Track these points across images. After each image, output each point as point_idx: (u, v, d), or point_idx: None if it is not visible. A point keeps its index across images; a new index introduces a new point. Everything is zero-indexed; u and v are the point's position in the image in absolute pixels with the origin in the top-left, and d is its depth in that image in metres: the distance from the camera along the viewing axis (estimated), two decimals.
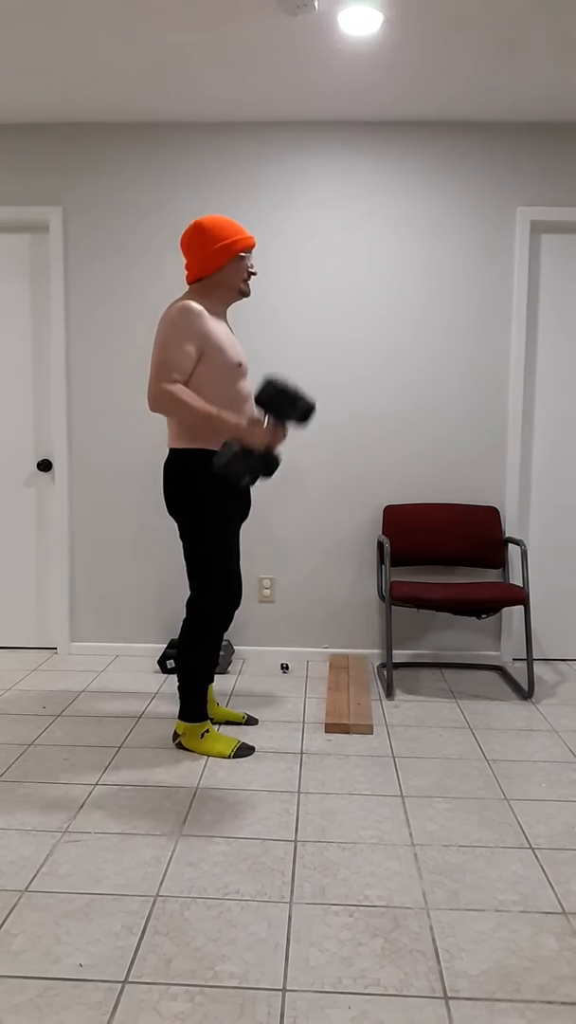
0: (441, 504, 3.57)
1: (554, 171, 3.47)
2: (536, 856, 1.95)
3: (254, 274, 2.51)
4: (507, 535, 3.57)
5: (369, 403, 3.57)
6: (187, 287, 2.47)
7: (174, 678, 3.36)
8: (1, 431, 3.72)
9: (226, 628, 2.54)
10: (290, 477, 3.61)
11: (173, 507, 2.47)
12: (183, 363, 2.33)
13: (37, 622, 3.77)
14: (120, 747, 2.60)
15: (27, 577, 3.76)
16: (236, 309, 3.52)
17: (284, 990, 1.46)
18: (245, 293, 2.50)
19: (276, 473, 2.21)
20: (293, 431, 3.57)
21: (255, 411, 2.44)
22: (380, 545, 3.56)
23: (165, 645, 3.67)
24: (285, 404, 2.31)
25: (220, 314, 2.50)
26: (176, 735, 2.59)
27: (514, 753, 2.60)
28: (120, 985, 1.47)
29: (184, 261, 2.46)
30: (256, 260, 3.52)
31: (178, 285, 3.54)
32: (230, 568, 2.50)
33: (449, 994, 1.45)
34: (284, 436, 2.36)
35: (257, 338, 3.55)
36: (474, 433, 3.58)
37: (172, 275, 3.55)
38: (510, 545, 3.59)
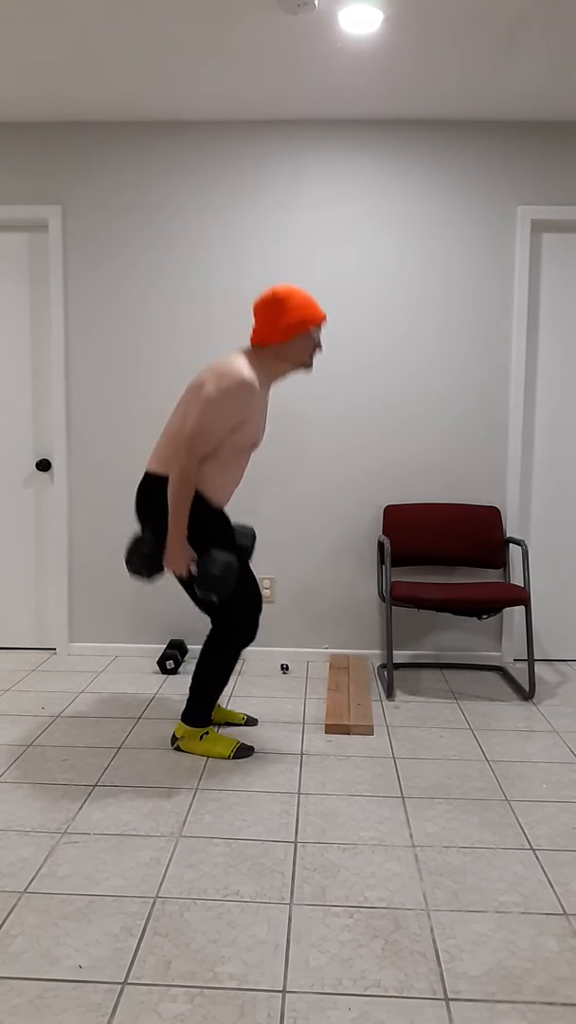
0: (442, 504, 3.57)
1: (555, 170, 3.46)
2: (537, 857, 1.94)
3: (320, 350, 2.51)
4: (508, 535, 3.56)
5: (369, 403, 3.57)
6: (249, 345, 2.47)
7: (173, 679, 3.36)
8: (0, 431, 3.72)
9: (253, 637, 2.54)
10: (290, 477, 3.61)
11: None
12: (218, 438, 2.33)
13: (36, 623, 3.77)
14: (119, 748, 2.60)
15: (26, 577, 3.75)
16: (237, 311, 3.52)
17: (284, 991, 1.45)
18: (308, 367, 2.50)
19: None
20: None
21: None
22: (380, 545, 3.55)
23: (164, 646, 3.67)
24: (214, 583, 2.32)
25: (268, 383, 2.49)
26: (175, 738, 2.58)
27: (515, 754, 2.59)
28: (120, 986, 1.46)
29: (253, 322, 2.47)
30: (257, 262, 3.52)
31: (176, 283, 3.54)
32: (248, 588, 2.50)
33: (450, 995, 1.45)
34: (184, 572, 2.37)
35: None
36: (475, 433, 3.57)
37: (172, 275, 3.54)
38: (511, 545, 3.58)
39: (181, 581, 2.48)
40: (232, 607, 2.47)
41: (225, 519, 2.50)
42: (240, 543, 2.67)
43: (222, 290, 3.54)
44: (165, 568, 2.40)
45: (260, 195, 3.50)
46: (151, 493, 2.44)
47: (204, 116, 3.44)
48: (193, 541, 2.41)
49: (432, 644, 3.65)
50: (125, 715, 2.90)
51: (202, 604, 2.51)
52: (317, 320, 2.42)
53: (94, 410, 3.62)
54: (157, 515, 2.42)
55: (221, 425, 2.31)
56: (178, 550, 2.34)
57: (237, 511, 3.63)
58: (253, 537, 2.74)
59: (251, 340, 2.46)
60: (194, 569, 2.35)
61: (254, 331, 2.44)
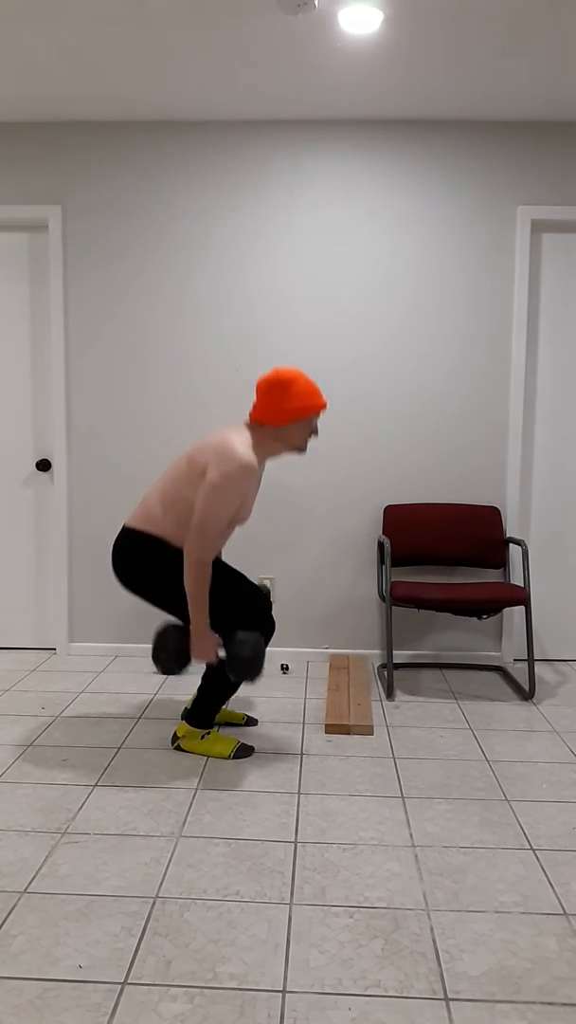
0: (442, 504, 3.57)
1: (555, 170, 3.46)
2: (537, 857, 1.94)
3: (315, 436, 2.54)
4: (508, 535, 3.56)
5: (369, 403, 3.57)
6: (249, 422, 2.50)
7: (173, 679, 3.36)
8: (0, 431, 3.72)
9: (271, 635, 2.52)
10: (290, 477, 3.61)
11: (170, 602, 2.44)
12: (225, 521, 2.34)
13: (36, 623, 3.77)
14: (119, 748, 2.60)
15: (26, 577, 3.75)
16: (237, 310, 3.52)
17: (284, 991, 1.45)
18: (302, 451, 2.52)
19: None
20: None
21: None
22: (380, 545, 3.55)
23: None
24: (246, 665, 2.32)
25: (264, 461, 2.51)
26: (175, 737, 2.58)
27: (515, 754, 2.59)
28: (120, 986, 1.46)
29: (255, 399, 2.51)
30: (258, 262, 3.52)
31: (176, 283, 3.54)
32: (244, 587, 2.51)
33: (450, 995, 1.45)
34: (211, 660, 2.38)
35: (261, 348, 3.55)
36: (475, 433, 3.57)
37: (172, 274, 3.54)
38: (511, 545, 3.58)
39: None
40: (250, 623, 2.47)
41: (221, 566, 2.53)
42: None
43: (222, 290, 3.54)
44: (193, 660, 2.40)
45: (261, 195, 3.50)
46: (128, 550, 2.45)
47: (204, 116, 3.44)
48: (212, 614, 2.40)
49: (432, 644, 3.65)
50: (125, 715, 2.90)
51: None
52: (317, 409, 2.43)
53: (94, 410, 3.62)
54: (134, 573, 2.43)
55: (227, 510, 2.32)
56: (204, 639, 2.34)
57: None
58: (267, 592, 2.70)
59: (250, 416, 2.47)
60: (223, 654, 2.36)
61: (255, 408, 2.45)
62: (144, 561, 2.42)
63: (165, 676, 3.37)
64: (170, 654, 2.40)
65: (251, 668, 2.31)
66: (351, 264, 3.52)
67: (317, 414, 2.46)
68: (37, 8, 2.57)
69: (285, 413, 2.40)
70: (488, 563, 3.52)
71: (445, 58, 2.88)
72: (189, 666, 2.46)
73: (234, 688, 2.52)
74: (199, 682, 2.71)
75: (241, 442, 2.34)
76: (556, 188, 3.47)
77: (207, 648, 2.35)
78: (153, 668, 2.37)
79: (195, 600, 2.31)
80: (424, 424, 3.58)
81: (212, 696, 2.51)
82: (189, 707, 2.58)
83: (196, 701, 2.54)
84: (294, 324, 3.55)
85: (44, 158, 3.53)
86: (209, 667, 2.48)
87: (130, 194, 3.52)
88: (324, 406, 2.46)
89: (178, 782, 2.34)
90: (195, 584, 2.30)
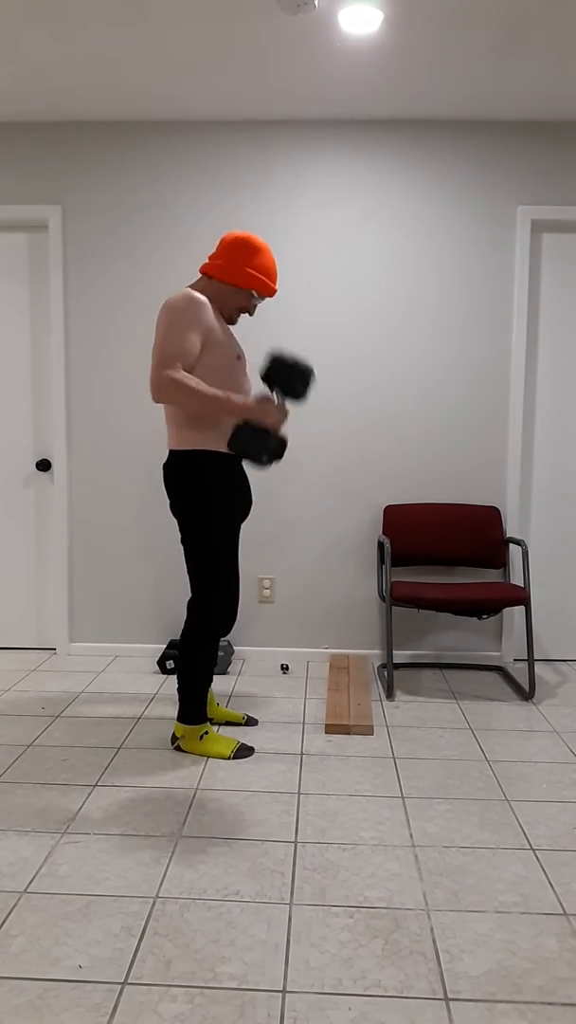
0: (442, 504, 3.57)
1: (555, 170, 3.46)
2: (537, 857, 1.94)
3: (249, 314, 2.53)
4: (508, 535, 3.56)
5: (369, 403, 3.57)
6: (197, 276, 2.49)
7: (174, 679, 3.36)
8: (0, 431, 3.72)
9: (229, 629, 2.53)
10: (290, 477, 3.61)
11: (177, 509, 2.46)
12: (187, 352, 2.31)
13: (36, 623, 3.77)
14: (119, 748, 2.60)
15: (26, 577, 3.75)
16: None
17: (284, 991, 1.45)
18: (231, 322, 2.51)
19: (284, 456, 2.24)
20: (295, 417, 3.56)
21: (259, 391, 2.43)
22: (380, 545, 3.55)
23: (164, 645, 3.67)
24: (295, 379, 2.31)
25: (218, 312, 2.49)
26: (175, 738, 2.58)
27: (515, 754, 2.59)
28: (120, 986, 1.46)
29: (213, 252, 2.48)
30: None
31: (176, 284, 3.54)
32: (234, 568, 2.49)
33: (450, 995, 1.44)
34: (288, 414, 2.37)
35: (261, 348, 3.55)
36: (475, 433, 3.57)
37: (171, 274, 3.54)
38: (511, 545, 3.58)
39: (183, 536, 2.46)
40: (216, 585, 2.45)
41: (231, 475, 2.46)
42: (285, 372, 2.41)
43: None
44: (272, 434, 2.32)
45: (261, 195, 3.50)
46: (171, 469, 2.45)
47: (204, 116, 3.44)
48: (194, 497, 2.39)
49: (432, 644, 3.65)
50: (125, 715, 2.90)
51: (193, 569, 2.45)
52: (267, 290, 2.46)
53: (94, 410, 3.62)
54: (181, 488, 2.42)
55: (186, 341, 2.29)
56: (257, 412, 2.30)
57: None
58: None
59: (200, 269, 2.49)
60: (286, 407, 2.33)
61: (209, 259, 2.46)
62: (176, 476, 2.43)
63: (167, 674, 3.37)
64: (262, 444, 2.30)
65: (246, 451, 2.25)
66: (351, 264, 3.52)
67: (263, 295, 2.46)
68: (37, 8, 2.57)
69: (238, 274, 2.41)
70: (488, 563, 3.52)
71: (445, 58, 2.88)
72: (285, 443, 2.37)
73: (209, 673, 2.51)
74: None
75: (185, 288, 2.38)
76: (556, 188, 3.47)
77: (267, 410, 2.30)
78: (260, 466, 2.34)
79: (208, 400, 2.26)
80: (424, 424, 3.58)
81: (191, 686, 2.51)
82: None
83: (179, 699, 2.54)
84: (294, 324, 3.55)
85: (44, 158, 3.53)
86: (183, 646, 2.48)
87: (130, 194, 3.52)
88: (274, 292, 2.48)
89: (178, 782, 2.34)
90: (189, 396, 2.26)
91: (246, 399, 2.32)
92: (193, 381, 2.28)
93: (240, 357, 2.47)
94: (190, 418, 2.39)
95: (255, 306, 2.51)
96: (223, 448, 2.42)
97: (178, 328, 2.30)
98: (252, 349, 3.54)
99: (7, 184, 3.54)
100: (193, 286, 2.46)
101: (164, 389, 2.28)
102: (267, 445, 2.30)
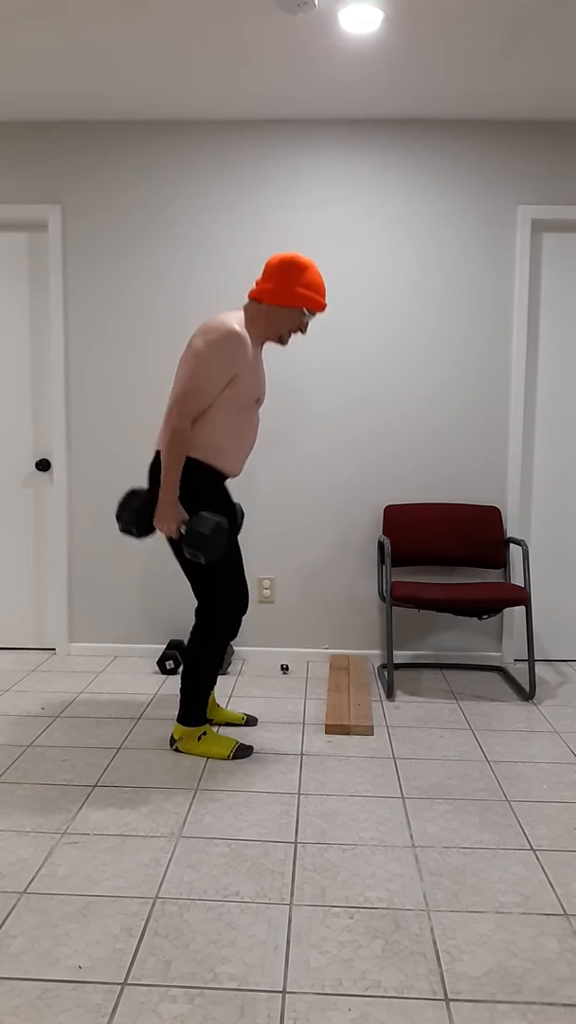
0: (442, 504, 3.56)
1: (555, 170, 3.46)
2: (537, 857, 1.94)
3: (302, 332, 2.50)
4: (508, 535, 3.56)
5: (370, 403, 3.57)
6: (245, 300, 2.46)
7: (173, 679, 3.36)
8: None
9: (234, 635, 2.53)
10: (291, 477, 3.61)
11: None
12: (210, 394, 2.32)
13: (36, 623, 3.77)
14: (119, 748, 2.59)
15: (25, 578, 3.75)
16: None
17: (284, 992, 1.45)
18: (283, 342, 2.50)
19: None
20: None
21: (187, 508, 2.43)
22: (381, 545, 3.55)
23: (164, 646, 3.67)
24: (202, 543, 2.30)
25: (257, 343, 2.48)
26: (173, 739, 2.58)
27: (515, 754, 2.59)
28: (119, 987, 1.46)
29: (260, 276, 2.46)
30: (258, 262, 3.52)
31: (176, 283, 3.54)
32: (235, 573, 2.49)
33: (450, 996, 1.44)
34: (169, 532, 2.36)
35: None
36: (475, 433, 3.57)
37: (172, 274, 3.54)
38: (511, 545, 3.58)
39: (174, 548, 2.46)
40: (218, 599, 2.45)
41: (225, 491, 2.49)
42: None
43: (223, 290, 3.53)
44: (156, 527, 2.39)
45: (261, 195, 3.50)
46: (157, 470, 2.45)
47: (204, 116, 3.43)
48: (188, 504, 2.39)
49: (432, 644, 3.65)
50: (125, 715, 2.90)
51: (194, 584, 2.47)
52: (319, 305, 2.43)
53: (94, 410, 3.61)
54: (190, 498, 2.42)
55: (213, 380, 2.30)
56: (169, 508, 2.33)
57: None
58: (242, 515, 2.73)
59: (249, 294, 2.46)
60: (183, 530, 2.33)
61: (257, 284, 2.43)
62: (152, 481, 2.45)
63: (167, 674, 3.36)
64: (132, 514, 2.42)
65: (206, 546, 2.27)
66: (351, 264, 3.52)
67: (314, 311, 2.45)
68: (37, 8, 2.57)
69: (288, 295, 2.38)
70: (488, 563, 3.52)
71: (445, 58, 2.88)
72: (150, 534, 2.47)
73: (212, 677, 2.51)
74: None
75: (231, 317, 2.35)
76: (556, 188, 3.47)
77: (169, 517, 2.33)
78: (117, 526, 2.43)
79: (167, 467, 2.31)
80: (424, 424, 3.57)
81: (194, 689, 2.51)
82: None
83: (181, 700, 2.54)
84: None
85: (44, 158, 3.52)
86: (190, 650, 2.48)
87: (130, 194, 3.52)
88: (325, 307, 2.46)
89: (178, 782, 2.34)
90: (168, 453, 2.30)
91: (174, 493, 2.32)
92: (182, 445, 2.29)
93: (260, 400, 2.47)
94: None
95: (307, 324, 2.48)
96: (216, 465, 2.43)
97: (212, 366, 2.29)
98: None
99: (7, 184, 3.54)
100: (246, 313, 2.42)
101: (175, 437, 2.29)
102: (134, 519, 2.44)
